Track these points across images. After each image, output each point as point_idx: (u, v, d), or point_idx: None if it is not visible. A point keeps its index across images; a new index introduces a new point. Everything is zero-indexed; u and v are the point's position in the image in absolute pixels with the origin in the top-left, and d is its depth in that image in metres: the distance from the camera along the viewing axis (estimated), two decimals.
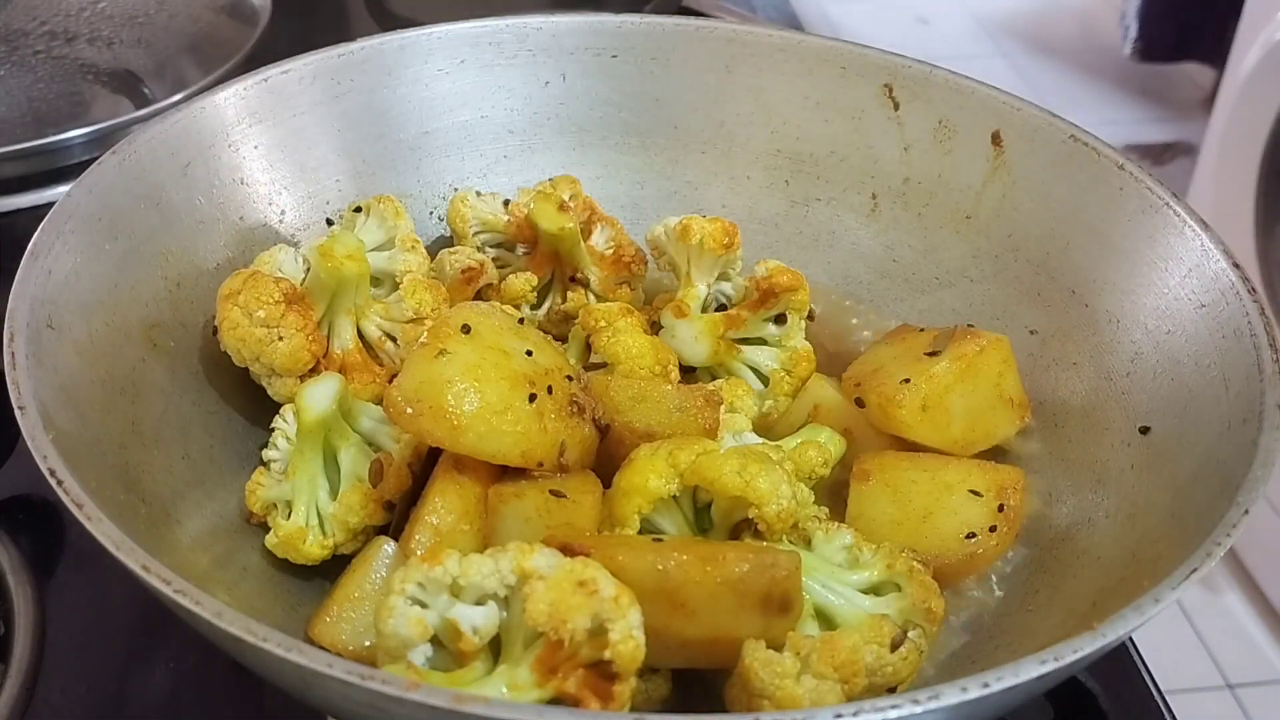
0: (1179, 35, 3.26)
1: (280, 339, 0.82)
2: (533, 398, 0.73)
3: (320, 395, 0.78)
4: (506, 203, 1.00)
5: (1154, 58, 3.36)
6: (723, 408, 0.81)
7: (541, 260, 0.96)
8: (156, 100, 1.30)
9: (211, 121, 0.92)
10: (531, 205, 0.95)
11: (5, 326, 0.70)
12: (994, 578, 0.81)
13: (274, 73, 0.96)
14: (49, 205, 0.79)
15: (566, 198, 0.98)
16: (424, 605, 0.61)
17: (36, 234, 0.76)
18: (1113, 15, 3.52)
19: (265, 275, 0.83)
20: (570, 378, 0.77)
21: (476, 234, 0.99)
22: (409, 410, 0.71)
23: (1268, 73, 2.12)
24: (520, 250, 0.99)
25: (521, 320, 0.81)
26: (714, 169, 1.08)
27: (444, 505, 0.72)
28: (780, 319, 0.93)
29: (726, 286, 0.95)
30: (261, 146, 0.95)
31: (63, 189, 0.81)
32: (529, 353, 0.76)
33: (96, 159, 0.84)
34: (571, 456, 0.74)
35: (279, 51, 1.00)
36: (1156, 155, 3.31)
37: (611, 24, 1.05)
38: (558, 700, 0.60)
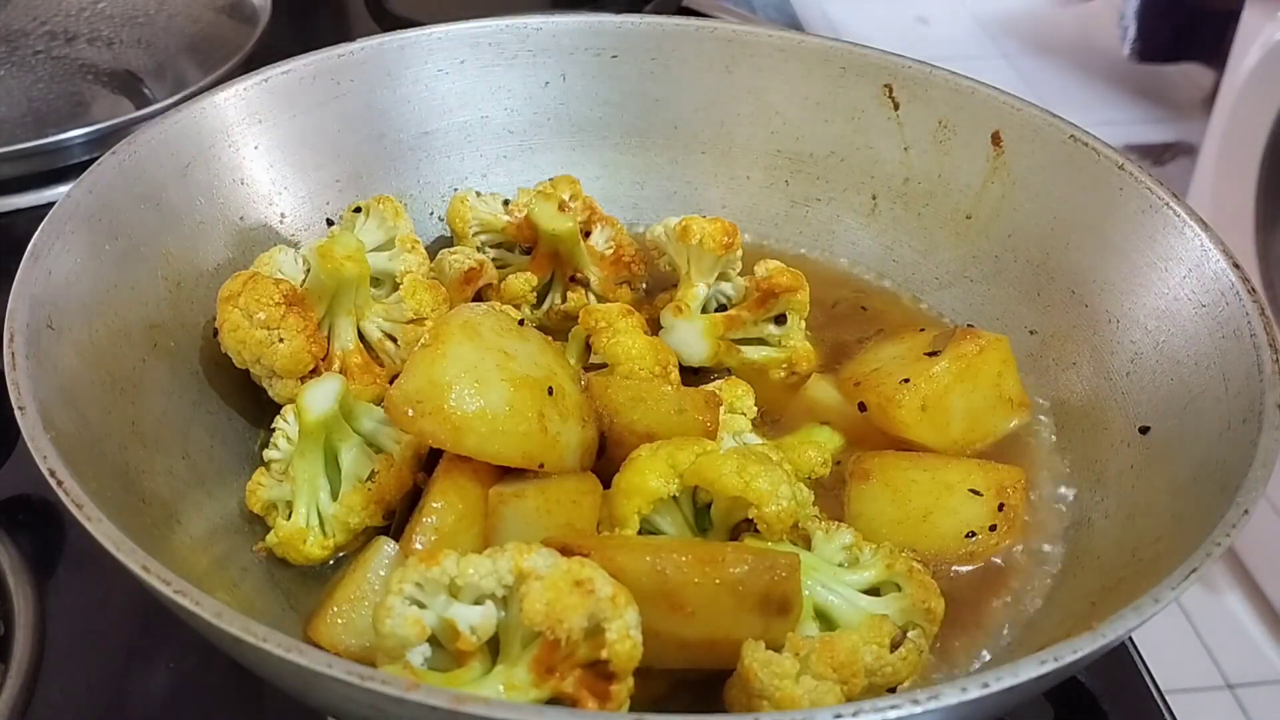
0: (1177, 36, 3.26)
1: (280, 340, 0.82)
2: (533, 399, 0.73)
3: (321, 396, 0.78)
4: (506, 203, 1.00)
5: (1153, 58, 3.36)
6: (722, 408, 0.81)
7: (541, 260, 0.96)
8: (156, 100, 1.30)
9: (211, 121, 0.92)
10: (531, 205, 0.95)
11: (5, 326, 0.70)
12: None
13: (274, 73, 0.96)
14: (49, 205, 0.79)
15: (566, 198, 0.98)
16: (422, 605, 0.61)
17: (36, 234, 0.76)
18: (1112, 15, 3.52)
19: (265, 277, 0.83)
20: (571, 378, 0.77)
21: (476, 234, 0.99)
22: (410, 411, 0.71)
23: (1268, 73, 2.12)
24: (520, 250, 0.99)
25: (521, 320, 0.81)
26: (714, 169, 1.08)
27: (444, 505, 0.72)
28: (780, 319, 0.93)
29: (726, 286, 0.95)
30: (261, 147, 0.95)
31: (63, 189, 0.82)
32: (529, 353, 0.76)
33: (96, 159, 0.84)
34: (572, 457, 0.74)
35: (279, 51, 1.00)
36: (1156, 155, 3.31)
37: (611, 24, 1.05)
38: (555, 700, 0.60)
